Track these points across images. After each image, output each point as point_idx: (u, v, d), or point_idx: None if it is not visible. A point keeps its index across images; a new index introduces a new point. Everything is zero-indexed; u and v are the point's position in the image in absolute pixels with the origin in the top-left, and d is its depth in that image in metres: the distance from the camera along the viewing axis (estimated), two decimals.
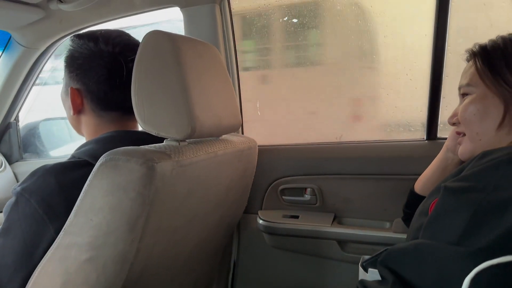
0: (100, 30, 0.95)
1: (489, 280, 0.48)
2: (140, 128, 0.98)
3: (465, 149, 0.80)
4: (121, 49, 0.91)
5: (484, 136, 0.74)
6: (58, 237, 0.73)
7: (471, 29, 1.13)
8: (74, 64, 0.92)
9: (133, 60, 0.88)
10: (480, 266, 0.47)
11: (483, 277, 0.48)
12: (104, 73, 0.90)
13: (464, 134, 0.80)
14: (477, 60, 0.76)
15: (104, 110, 0.93)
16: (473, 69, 0.77)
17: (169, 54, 0.78)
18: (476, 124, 0.75)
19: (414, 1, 1.17)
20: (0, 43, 1.58)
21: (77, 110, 0.94)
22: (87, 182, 0.71)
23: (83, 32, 0.94)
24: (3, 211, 0.81)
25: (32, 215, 0.76)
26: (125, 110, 0.94)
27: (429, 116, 1.20)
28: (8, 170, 1.80)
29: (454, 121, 0.83)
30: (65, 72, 0.95)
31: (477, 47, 0.78)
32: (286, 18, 1.33)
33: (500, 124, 0.72)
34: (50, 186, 0.77)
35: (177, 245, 0.88)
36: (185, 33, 1.31)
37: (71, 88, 0.92)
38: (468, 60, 0.81)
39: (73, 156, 0.86)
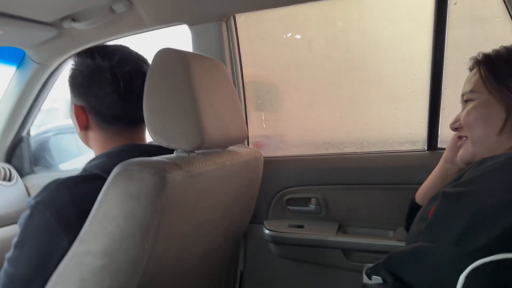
0: (98, 46, 0.97)
1: (483, 277, 0.50)
2: (147, 140, 1.02)
3: (466, 151, 0.82)
4: (117, 62, 0.92)
5: (486, 140, 0.77)
6: (73, 245, 0.76)
7: (468, 42, 1.16)
8: (75, 83, 0.94)
9: (130, 72, 0.92)
10: (475, 264, 0.50)
11: (477, 275, 0.50)
12: (104, 88, 0.91)
13: (466, 138, 0.82)
14: (481, 67, 0.79)
15: (109, 124, 0.94)
16: (477, 76, 0.79)
17: (179, 69, 0.82)
18: (479, 128, 0.77)
19: (413, 17, 1.21)
20: (15, 60, 1.63)
21: (83, 126, 0.95)
22: (102, 191, 0.74)
23: (81, 50, 0.97)
24: (18, 223, 0.82)
25: (47, 228, 0.77)
26: (128, 122, 0.96)
27: (429, 127, 1.23)
28: (20, 183, 1.83)
29: (456, 126, 0.85)
30: (69, 91, 0.97)
31: (481, 55, 0.81)
32: (289, 34, 1.38)
33: (502, 130, 0.74)
34: (63, 199, 0.78)
35: (186, 253, 0.91)
36: (193, 49, 1.35)
37: (75, 105, 0.94)
38: (471, 69, 0.84)
39: (84, 169, 0.88)
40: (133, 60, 0.95)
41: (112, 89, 0.91)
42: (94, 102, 0.92)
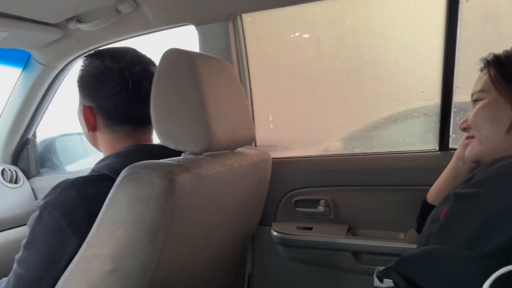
0: (107, 48, 0.98)
1: (507, 285, 0.49)
2: (155, 141, 1.01)
3: (472, 149, 0.81)
4: (127, 63, 0.93)
5: (493, 139, 0.76)
6: (81, 249, 0.75)
7: (480, 41, 1.14)
8: (84, 83, 0.95)
9: (138, 73, 0.93)
10: (500, 271, 0.48)
11: (501, 282, 0.49)
12: (112, 88, 0.92)
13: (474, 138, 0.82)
14: (490, 68, 0.79)
15: (117, 125, 0.95)
16: (486, 76, 0.79)
17: (187, 70, 0.81)
18: (486, 127, 0.77)
19: (424, 15, 1.19)
20: (20, 62, 1.63)
21: (91, 127, 0.97)
22: (109, 195, 0.73)
23: (91, 52, 0.98)
24: (28, 224, 0.83)
25: (56, 228, 0.77)
26: (136, 123, 0.97)
27: (441, 127, 1.21)
28: (26, 185, 1.83)
29: (465, 126, 0.85)
30: (78, 91, 0.98)
31: (491, 56, 0.81)
32: (297, 33, 1.36)
33: (509, 129, 0.74)
34: (72, 199, 0.78)
35: (195, 257, 0.90)
36: (199, 49, 1.34)
37: (83, 106, 0.96)
38: (481, 70, 0.83)
39: (93, 170, 0.88)
40: (142, 62, 0.96)
41: (120, 89, 0.92)
42: (103, 102, 0.93)
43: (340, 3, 1.28)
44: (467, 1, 1.12)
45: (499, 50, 0.81)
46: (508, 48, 0.81)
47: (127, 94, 0.92)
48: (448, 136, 1.21)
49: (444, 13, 1.14)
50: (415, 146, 1.29)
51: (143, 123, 0.97)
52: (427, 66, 1.21)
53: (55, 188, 0.82)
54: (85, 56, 0.98)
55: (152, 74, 0.90)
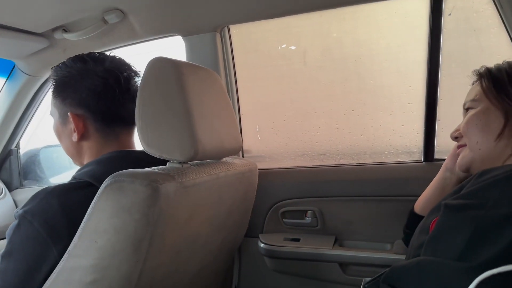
0: (83, 54, 0.96)
1: None
2: (135, 144, 1.00)
3: (464, 158, 0.82)
4: (111, 64, 0.93)
5: (484, 145, 0.77)
6: (62, 259, 0.73)
7: (463, 53, 1.16)
8: (67, 90, 0.92)
9: (127, 72, 0.93)
10: (482, 276, 0.49)
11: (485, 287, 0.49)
12: (101, 88, 0.90)
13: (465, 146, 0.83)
14: (483, 80, 0.81)
15: (109, 126, 0.94)
16: (478, 87, 0.81)
17: (173, 79, 0.80)
18: (477, 133, 0.78)
19: (408, 28, 1.22)
20: (4, 72, 1.61)
21: (81, 134, 0.93)
22: (92, 204, 0.71)
23: (67, 59, 0.95)
24: (6, 234, 0.80)
25: (35, 238, 0.75)
26: (126, 122, 0.96)
27: (426, 138, 1.23)
28: (8, 197, 1.80)
29: (456, 135, 0.87)
30: (56, 101, 0.95)
31: (483, 68, 0.83)
32: (284, 45, 1.37)
33: (500, 135, 0.75)
34: (52, 208, 0.76)
35: (179, 268, 0.89)
36: (187, 60, 1.34)
37: (71, 114, 0.92)
38: (474, 83, 0.86)
39: (74, 177, 0.86)
40: (124, 64, 0.96)
41: (110, 87, 0.91)
42: (93, 104, 0.91)
43: (326, 15, 1.30)
44: (449, 15, 1.14)
45: (480, 62, 0.84)
46: (488, 59, 0.84)
47: (120, 89, 0.91)
48: (433, 147, 1.23)
49: (428, 26, 1.16)
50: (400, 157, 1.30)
51: (130, 122, 0.96)
52: (412, 78, 1.23)
53: (35, 196, 0.79)
54: (58, 65, 0.94)
55: (136, 74, 0.93)
